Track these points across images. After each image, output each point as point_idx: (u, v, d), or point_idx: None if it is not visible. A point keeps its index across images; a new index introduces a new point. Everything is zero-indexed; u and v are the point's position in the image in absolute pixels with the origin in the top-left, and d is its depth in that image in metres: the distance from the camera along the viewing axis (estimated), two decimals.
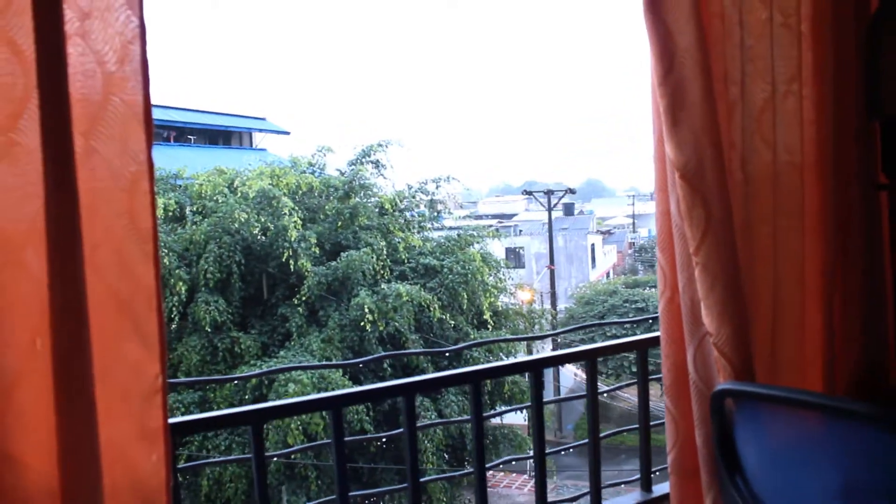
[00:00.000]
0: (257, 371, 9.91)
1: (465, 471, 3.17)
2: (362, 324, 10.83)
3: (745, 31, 1.74)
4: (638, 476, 2.37)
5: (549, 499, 2.18)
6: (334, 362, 10.48)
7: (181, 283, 10.53)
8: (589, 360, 2.09)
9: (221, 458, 9.30)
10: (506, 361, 9.91)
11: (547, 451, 2.15)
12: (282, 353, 10.87)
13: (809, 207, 1.86)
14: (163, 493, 1.19)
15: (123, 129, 1.14)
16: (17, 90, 1.04)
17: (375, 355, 9.59)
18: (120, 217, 1.17)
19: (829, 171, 1.87)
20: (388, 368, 11.31)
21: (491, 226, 19.82)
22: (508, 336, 12.26)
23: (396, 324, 11.25)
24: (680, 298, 1.75)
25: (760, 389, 1.62)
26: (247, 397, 10.19)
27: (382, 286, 11.60)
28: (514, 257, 27.42)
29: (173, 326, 10.41)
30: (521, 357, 9.89)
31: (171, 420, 1.29)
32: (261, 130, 25.73)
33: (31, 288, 1.08)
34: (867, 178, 1.98)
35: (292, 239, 11.25)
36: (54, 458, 1.13)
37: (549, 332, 14.52)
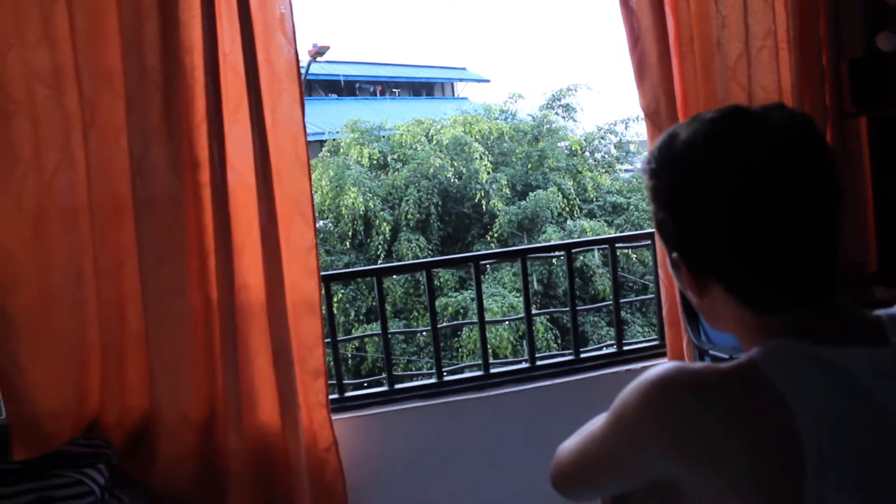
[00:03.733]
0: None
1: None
2: (561, 257, 11.67)
3: (719, 4, 2.41)
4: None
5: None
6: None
7: (385, 224, 11.87)
8: (609, 245, 2.88)
9: None
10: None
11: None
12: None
13: None
14: (317, 303, 2.17)
15: (290, 108, 2.10)
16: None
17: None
18: (290, 156, 2.14)
19: (804, 103, 2.49)
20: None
21: None
22: None
23: (583, 258, 11.98)
24: None
25: None
26: (445, 321, 11.37)
27: (568, 223, 12.36)
28: None
29: (380, 262, 11.74)
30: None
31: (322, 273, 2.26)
32: (461, 80, 26.86)
33: (250, 192, 2.08)
34: (839, 109, 2.57)
35: (484, 181, 12.26)
36: (262, 283, 2.13)
37: None
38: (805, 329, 0.84)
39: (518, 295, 10.85)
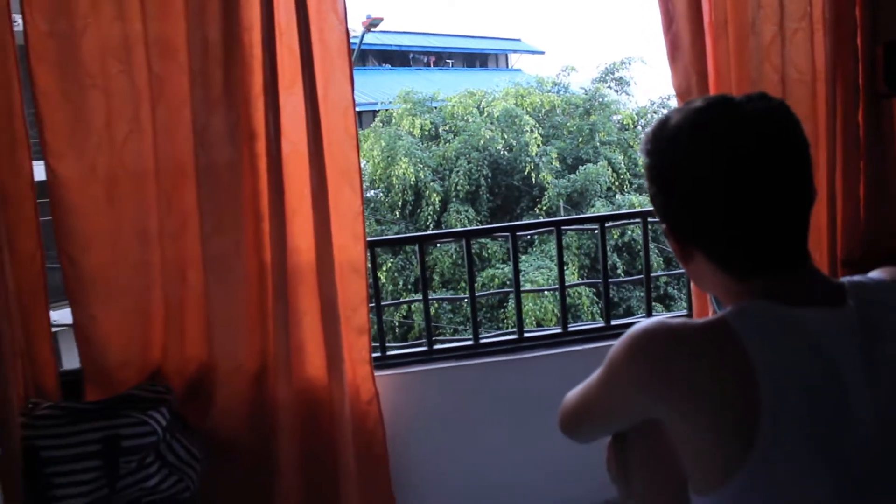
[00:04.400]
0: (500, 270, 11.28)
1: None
2: (596, 231, 11.72)
3: None
4: None
5: None
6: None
7: (435, 195, 12.04)
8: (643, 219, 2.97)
9: None
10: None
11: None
12: (524, 257, 12.09)
13: (819, 112, 2.56)
14: (362, 265, 2.34)
15: (341, 84, 2.25)
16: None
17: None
18: (340, 128, 2.29)
19: (837, 84, 2.55)
20: (622, 275, 12.12)
21: None
22: None
23: (630, 232, 12.01)
24: None
25: None
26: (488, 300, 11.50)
27: (618, 197, 12.38)
28: None
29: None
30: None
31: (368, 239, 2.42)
32: (515, 51, 26.79)
33: (302, 162, 2.24)
34: (872, 90, 2.62)
35: (534, 154, 12.33)
36: (313, 247, 2.30)
37: None
38: (774, 292, 0.97)
39: (565, 267, 11.00)
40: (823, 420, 0.90)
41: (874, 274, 1.05)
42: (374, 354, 2.57)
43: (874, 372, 0.93)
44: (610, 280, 2.99)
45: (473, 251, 12.33)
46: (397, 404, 2.54)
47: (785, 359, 0.91)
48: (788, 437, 0.89)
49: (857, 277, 1.03)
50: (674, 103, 15.32)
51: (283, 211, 2.27)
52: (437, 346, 2.72)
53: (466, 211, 12.25)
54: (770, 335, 0.93)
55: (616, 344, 1.04)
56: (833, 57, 2.50)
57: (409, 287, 11.69)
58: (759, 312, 0.95)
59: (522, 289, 10.56)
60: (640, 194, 12.84)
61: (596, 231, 11.48)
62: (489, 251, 12.27)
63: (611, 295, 11.33)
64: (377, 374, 2.49)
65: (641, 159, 1.08)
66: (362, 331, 2.42)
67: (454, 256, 12.26)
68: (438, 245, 12.46)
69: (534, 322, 10.78)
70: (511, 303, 10.50)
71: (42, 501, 2.08)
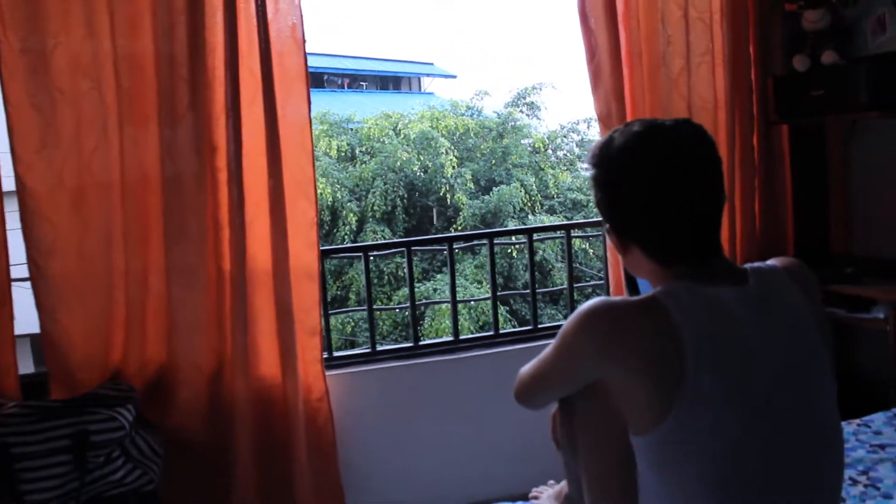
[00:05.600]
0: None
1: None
2: (510, 251, 12.10)
3: (665, 24, 2.81)
4: None
5: None
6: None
7: (352, 215, 12.17)
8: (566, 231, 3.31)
9: None
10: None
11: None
12: (439, 276, 12.35)
13: (720, 136, 2.90)
14: (316, 271, 2.53)
15: (298, 104, 2.45)
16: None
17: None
18: (297, 144, 2.49)
19: (735, 111, 2.90)
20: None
21: None
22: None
23: (542, 252, 12.43)
24: None
25: None
26: (406, 314, 11.72)
27: (530, 217, 12.80)
28: None
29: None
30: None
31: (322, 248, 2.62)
32: (428, 75, 27.18)
33: (261, 175, 2.43)
34: (765, 117, 2.99)
35: (449, 175, 12.65)
36: (269, 254, 2.48)
37: None
38: (692, 275, 1.23)
39: (479, 286, 11.30)
40: (733, 370, 1.17)
41: (769, 262, 1.34)
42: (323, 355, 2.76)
43: (769, 333, 1.20)
44: (538, 290, 3.26)
45: (389, 271, 12.59)
46: (345, 401, 2.73)
47: (702, 326, 1.17)
48: (706, 384, 1.14)
49: (756, 264, 1.31)
50: (582, 128, 15.85)
51: (243, 220, 2.45)
52: (379, 348, 2.94)
53: (383, 231, 12.42)
54: (690, 307, 1.19)
55: (567, 321, 1.29)
56: (731, 88, 2.86)
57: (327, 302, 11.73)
58: (682, 290, 1.21)
59: (440, 302, 10.75)
60: (552, 214, 13.32)
61: (509, 250, 11.97)
62: (404, 271, 12.46)
63: (524, 313, 11.71)
64: (326, 374, 2.67)
65: (588, 171, 1.34)
66: (314, 332, 2.61)
67: (370, 276, 12.41)
68: (353, 265, 12.62)
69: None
70: (428, 322, 10.72)
71: (13, 496, 2.18)
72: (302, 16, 2.47)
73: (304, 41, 2.47)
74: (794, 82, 2.94)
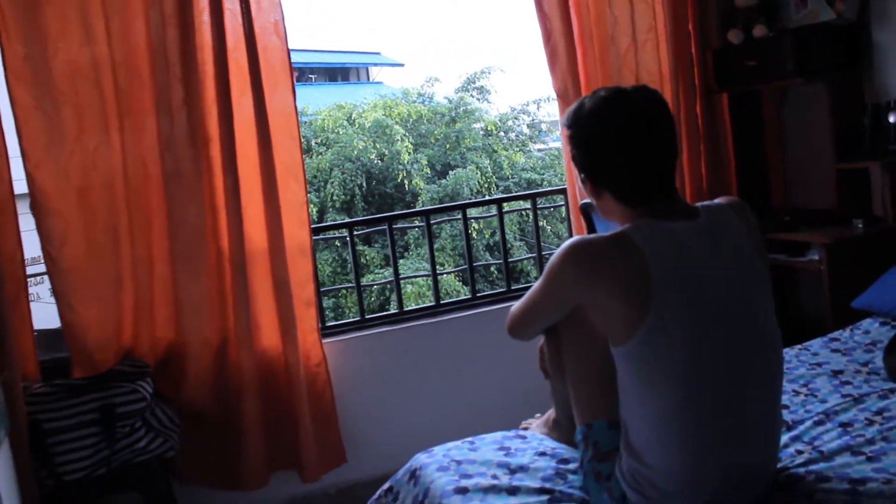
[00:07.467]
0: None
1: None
2: (470, 231, 12.35)
3: (612, 6, 3.08)
4: None
5: None
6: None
7: (312, 206, 12.31)
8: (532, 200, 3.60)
9: None
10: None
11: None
12: (401, 261, 12.56)
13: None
14: (308, 247, 2.76)
15: (284, 95, 2.67)
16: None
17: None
18: (285, 131, 2.71)
19: (679, 83, 3.18)
20: (495, 272, 12.84)
21: None
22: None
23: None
24: None
25: None
26: (373, 299, 11.95)
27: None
28: None
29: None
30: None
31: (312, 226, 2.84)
32: (376, 65, 27.23)
33: (253, 161, 2.64)
34: (706, 87, 3.28)
35: (405, 162, 12.87)
36: (265, 234, 2.70)
37: None
38: (654, 213, 1.51)
39: (441, 267, 11.55)
40: (690, 286, 1.44)
41: (717, 200, 1.62)
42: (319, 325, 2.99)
43: (717, 258, 1.48)
44: (510, 259, 3.55)
45: (352, 259, 12.76)
46: (341, 366, 2.97)
47: (664, 254, 1.44)
48: (670, 302, 1.42)
49: (706, 202, 1.59)
50: (532, 109, 16.18)
51: (239, 204, 2.66)
52: (368, 316, 3.19)
53: (343, 220, 12.58)
54: (654, 239, 1.45)
55: (552, 258, 1.55)
56: (674, 62, 3.15)
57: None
58: (646, 226, 1.48)
59: (415, 277, 10.96)
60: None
61: (469, 231, 12.20)
62: (367, 258, 12.67)
63: (481, 289, 12.03)
64: (322, 341, 2.90)
65: (564, 131, 1.60)
66: (310, 304, 2.84)
67: (334, 265, 12.59)
68: (316, 255, 12.75)
69: None
70: (394, 306, 10.94)
71: (48, 468, 2.38)
72: (283, 12, 2.68)
73: (286, 35, 2.69)
74: (731, 54, 3.25)
